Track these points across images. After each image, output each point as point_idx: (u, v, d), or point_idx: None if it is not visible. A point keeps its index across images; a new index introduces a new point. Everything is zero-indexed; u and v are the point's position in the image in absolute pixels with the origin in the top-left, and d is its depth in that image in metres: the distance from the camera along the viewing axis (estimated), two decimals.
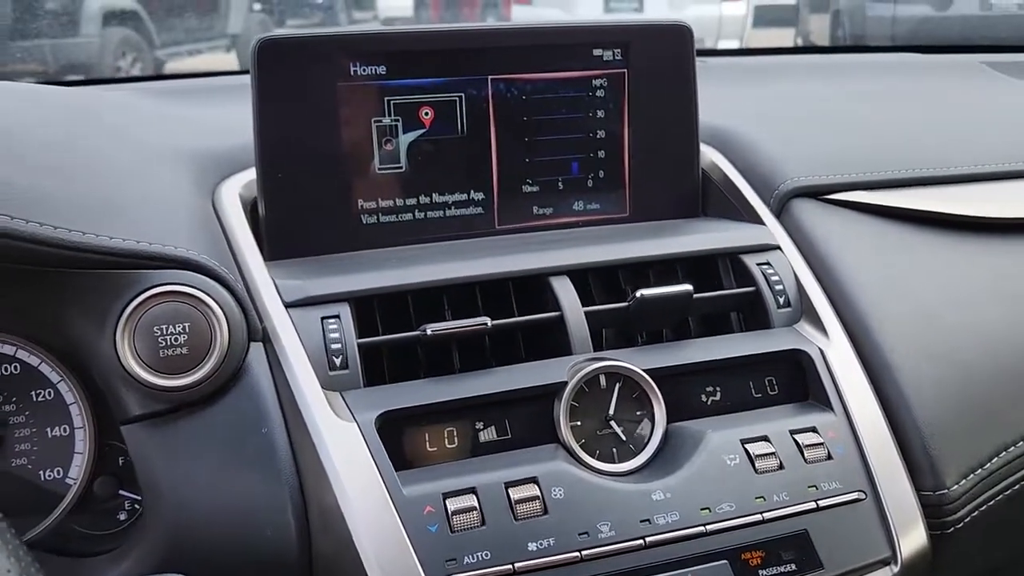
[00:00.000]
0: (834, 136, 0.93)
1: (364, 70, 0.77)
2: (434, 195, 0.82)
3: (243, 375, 0.65)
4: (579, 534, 0.59)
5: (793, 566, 0.61)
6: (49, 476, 0.73)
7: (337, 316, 0.67)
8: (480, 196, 0.84)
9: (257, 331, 0.67)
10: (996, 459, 0.71)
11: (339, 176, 0.78)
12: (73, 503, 0.73)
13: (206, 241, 0.70)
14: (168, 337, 0.63)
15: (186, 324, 0.64)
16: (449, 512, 0.58)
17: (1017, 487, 0.72)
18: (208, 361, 0.64)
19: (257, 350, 0.66)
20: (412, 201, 0.82)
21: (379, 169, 0.81)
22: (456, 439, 0.64)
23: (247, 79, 0.75)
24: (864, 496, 0.65)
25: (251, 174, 0.80)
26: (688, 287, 0.73)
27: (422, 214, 0.83)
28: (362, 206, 0.81)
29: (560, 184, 0.86)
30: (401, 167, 0.81)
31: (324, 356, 0.65)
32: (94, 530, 0.74)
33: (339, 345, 0.66)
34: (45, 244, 0.60)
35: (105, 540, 0.73)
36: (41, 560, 0.54)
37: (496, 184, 0.84)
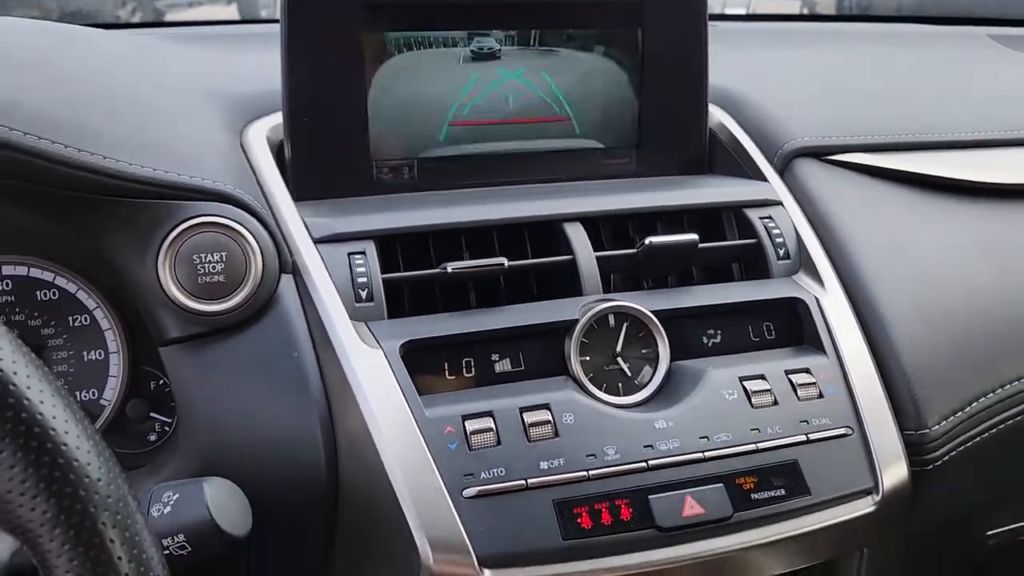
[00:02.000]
0: (838, 100, 0.96)
1: (387, 21, 0.80)
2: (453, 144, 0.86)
3: (275, 304, 0.69)
4: (587, 455, 0.64)
5: (783, 491, 0.66)
6: (85, 397, 0.78)
7: (363, 252, 0.71)
8: (497, 146, 0.87)
9: (288, 263, 0.71)
10: (976, 403, 0.76)
11: (362, 123, 0.82)
12: (107, 423, 0.78)
13: (238, 178, 0.74)
14: (206, 265, 0.67)
15: (223, 253, 0.68)
16: (468, 432, 0.63)
17: (994, 431, 0.77)
18: (243, 288, 0.68)
19: (288, 282, 0.71)
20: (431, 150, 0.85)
21: None
22: (473, 369, 0.69)
23: (269, 28, 0.78)
24: (851, 432, 0.70)
25: (277, 118, 0.83)
26: (694, 236, 0.77)
27: (441, 163, 0.86)
28: (383, 153, 0.84)
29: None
30: None
31: (351, 289, 0.69)
32: (126, 449, 0.79)
33: (365, 279, 0.70)
34: (93, 172, 0.64)
35: (136, 458, 0.78)
36: None
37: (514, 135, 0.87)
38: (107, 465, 0.42)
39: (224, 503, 0.56)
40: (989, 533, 0.97)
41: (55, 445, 0.41)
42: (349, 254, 0.71)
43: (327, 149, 0.80)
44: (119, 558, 0.41)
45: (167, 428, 0.79)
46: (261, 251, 0.69)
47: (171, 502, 0.55)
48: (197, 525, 0.54)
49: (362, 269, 0.70)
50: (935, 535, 0.88)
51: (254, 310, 0.68)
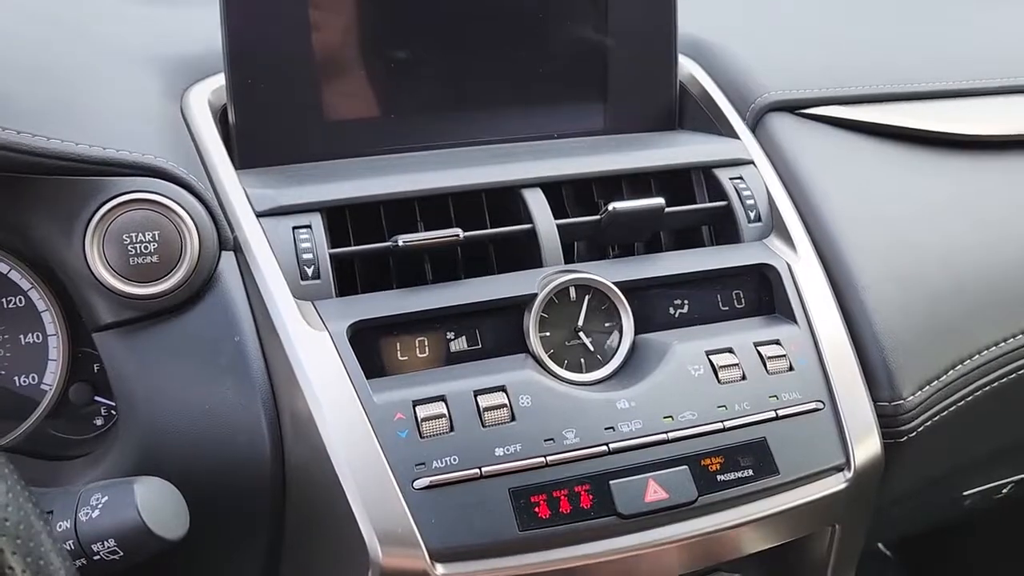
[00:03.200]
0: (813, 50, 0.92)
1: None
2: (408, 101, 0.81)
3: (214, 284, 0.65)
4: (545, 440, 0.61)
5: (751, 471, 0.63)
6: (24, 382, 0.74)
7: (309, 226, 0.67)
8: (455, 104, 0.82)
9: (228, 240, 0.67)
10: (951, 371, 0.73)
11: (312, 81, 0.77)
12: (49, 409, 0.74)
13: (175, 148, 0.69)
14: (138, 245, 0.63)
15: (156, 232, 0.63)
16: (419, 419, 0.60)
17: (969, 398, 0.74)
18: (179, 270, 0.64)
19: (228, 259, 0.66)
20: (385, 107, 0.80)
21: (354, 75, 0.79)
22: (427, 348, 0.65)
23: None
24: (822, 406, 0.67)
25: (220, 79, 0.78)
26: (660, 200, 0.73)
27: (395, 122, 0.81)
28: (334, 112, 0.79)
29: (537, 94, 0.84)
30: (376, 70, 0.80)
31: (296, 266, 0.65)
32: (72, 435, 0.75)
33: (311, 255, 0.66)
34: (5, 149, 0.59)
35: (83, 444, 0.75)
36: (18, 463, 0.56)
37: (471, 92, 0.82)
38: (5, 485, 0.39)
39: (156, 504, 0.53)
40: (965, 493, 0.96)
41: None
42: (294, 228, 0.67)
43: (273, 111, 0.76)
44: None
45: (114, 412, 0.76)
46: (197, 229, 0.64)
47: (100, 505, 0.52)
48: (127, 529, 0.51)
49: (307, 244, 0.66)
50: (905, 502, 0.86)
51: (192, 292, 0.64)
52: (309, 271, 0.66)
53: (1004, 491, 0.97)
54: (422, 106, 0.81)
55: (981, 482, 0.94)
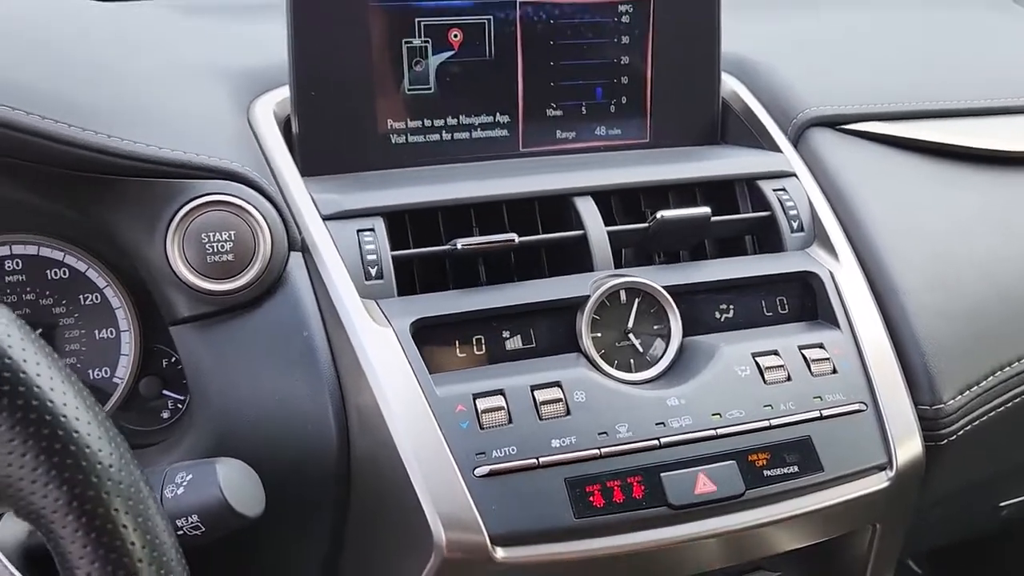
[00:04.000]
0: (853, 68, 0.94)
1: None
2: (461, 117, 0.85)
3: (284, 282, 0.69)
4: (599, 433, 0.63)
5: (796, 468, 0.65)
6: (97, 375, 0.78)
7: (372, 229, 0.71)
8: (505, 119, 0.86)
9: (296, 241, 0.70)
10: (991, 378, 0.75)
11: (370, 96, 0.80)
12: (120, 401, 0.78)
13: (245, 155, 0.73)
14: (215, 244, 0.67)
15: (232, 232, 0.67)
16: (479, 411, 0.63)
17: (1010, 404, 0.76)
18: (252, 267, 0.68)
19: (296, 259, 0.70)
20: (440, 122, 0.84)
21: (408, 90, 0.83)
22: (484, 346, 0.69)
23: None
24: (865, 407, 0.69)
25: (284, 92, 0.82)
26: (706, 209, 0.76)
27: (449, 135, 0.85)
28: (392, 126, 0.83)
29: (583, 109, 0.88)
30: (430, 88, 0.84)
31: (360, 266, 0.69)
32: (140, 427, 0.79)
33: (374, 256, 0.69)
34: (97, 151, 0.63)
35: (150, 436, 0.78)
36: None
37: (521, 107, 0.86)
38: (119, 451, 0.42)
39: (237, 483, 0.56)
40: (1001, 504, 0.97)
41: (66, 432, 0.41)
42: (358, 231, 0.71)
43: (335, 123, 0.80)
44: (132, 543, 0.41)
45: (180, 406, 0.79)
46: (270, 229, 0.68)
47: (184, 483, 0.55)
48: (210, 506, 0.55)
49: (371, 246, 0.70)
50: (945, 505, 0.88)
51: (263, 289, 0.68)
52: (373, 271, 0.69)
53: None
54: (474, 120, 0.84)
55: (1019, 493, 0.95)
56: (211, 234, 0.67)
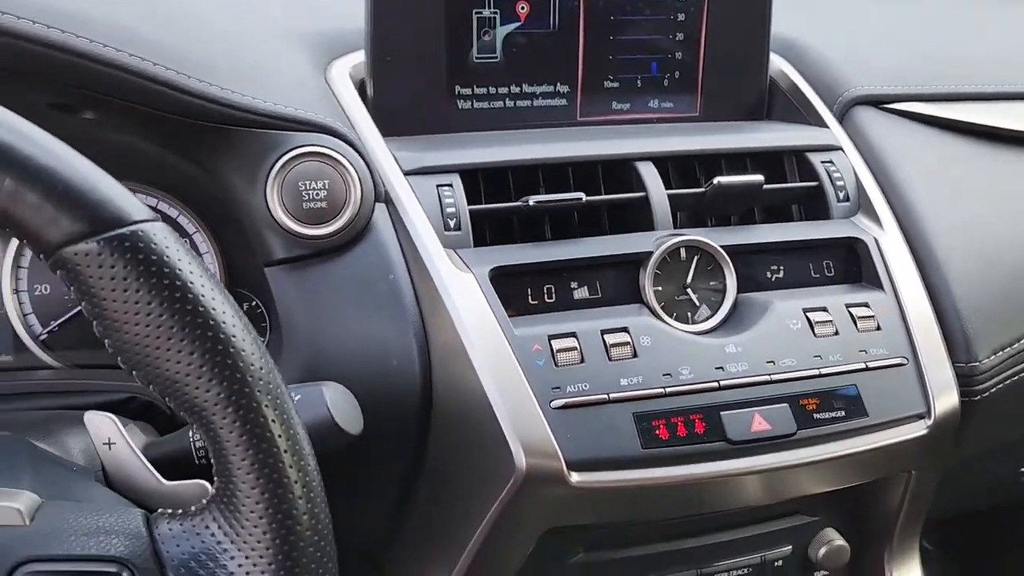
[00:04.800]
0: (898, 49, 0.99)
1: None
2: (524, 85, 0.90)
3: (371, 231, 0.74)
4: (663, 375, 0.69)
5: (843, 412, 0.71)
6: None
7: (450, 185, 0.76)
8: (565, 89, 0.91)
9: (381, 193, 0.76)
10: (1022, 341, 0.80)
11: (441, 63, 0.86)
12: None
13: (331, 113, 0.79)
14: (311, 191, 0.72)
15: (326, 181, 0.73)
16: (554, 350, 0.68)
17: None
18: (343, 214, 0.73)
19: (381, 210, 0.76)
20: (504, 90, 0.89)
21: (476, 58, 0.88)
22: (554, 295, 0.74)
23: None
24: (906, 362, 0.75)
25: (357, 57, 0.87)
26: (760, 177, 0.81)
27: (512, 103, 0.90)
28: (459, 92, 0.88)
29: (639, 82, 0.93)
30: (496, 57, 0.89)
31: (440, 218, 0.74)
32: None
33: (453, 209, 0.75)
34: (214, 102, 0.69)
35: None
36: None
37: (581, 78, 0.91)
38: (264, 357, 0.48)
39: (341, 404, 0.62)
40: (1023, 470, 1.03)
41: (226, 336, 0.46)
42: (437, 186, 0.76)
43: (407, 87, 0.85)
44: (279, 435, 0.47)
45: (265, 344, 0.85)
46: (360, 180, 0.74)
47: (294, 402, 0.61)
48: (318, 423, 0.60)
49: (450, 200, 0.75)
50: (972, 467, 0.94)
51: (353, 235, 0.73)
52: (451, 223, 0.75)
53: None
54: (536, 89, 0.90)
55: None
56: (307, 183, 0.72)
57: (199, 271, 0.47)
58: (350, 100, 0.83)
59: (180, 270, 0.45)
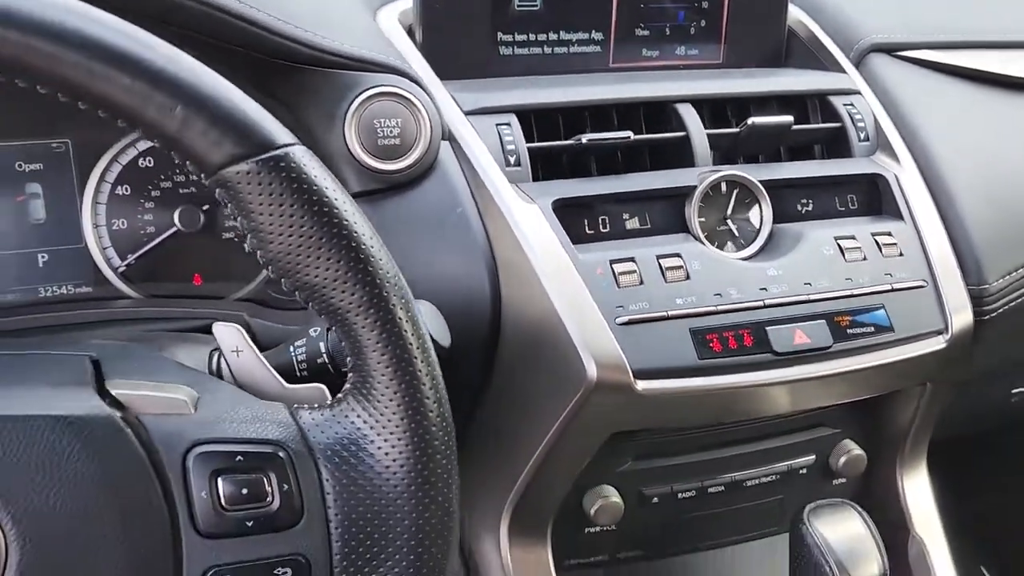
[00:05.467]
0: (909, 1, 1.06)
1: None
2: (561, 32, 0.95)
3: (438, 166, 0.80)
4: (714, 295, 0.76)
5: (872, 328, 0.79)
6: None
7: (508, 124, 0.82)
8: (599, 36, 0.97)
9: (446, 131, 0.82)
10: None
11: (486, 10, 0.91)
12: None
13: (394, 55, 0.84)
14: (385, 129, 0.78)
15: (399, 119, 0.78)
16: (616, 273, 0.75)
17: None
18: (415, 150, 0.79)
19: (446, 148, 0.81)
20: (543, 36, 0.95)
21: (518, 6, 0.93)
22: (608, 225, 0.81)
23: None
24: (926, 284, 0.83)
25: (404, 3, 0.92)
26: (790, 118, 0.88)
27: (550, 49, 0.96)
28: (501, 38, 0.94)
29: (667, 30, 0.99)
30: (536, 5, 0.94)
31: (501, 155, 0.80)
32: (286, 296, 0.90)
33: (512, 147, 0.81)
34: (297, 42, 0.74)
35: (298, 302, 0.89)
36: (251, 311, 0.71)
37: (614, 26, 0.97)
38: (393, 264, 0.54)
39: (433, 319, 0.68)
40: (1014, 391, 1.12)
41: (365, 247, 0.52)
42: (496, 125, 0.82)
43: (453, 33, 0.90)
44: (411, 334, 0.53)
45: None
46: (429, 118, 0.79)
47: None
48: None
49: (510, 138, 0.81)
50: (973, 387, 1.03)
51: (423, 170, 0.79)
52: (511, 159, 0.81)
53: None
54: (572, 36, 0.95)
55: None
56: (382, 120, 0.78)
57: (339, 189, 0.52)
58: (404, 45, 0.88)
59: (325, 188, 0.51)
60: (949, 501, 1.92)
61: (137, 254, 0.84)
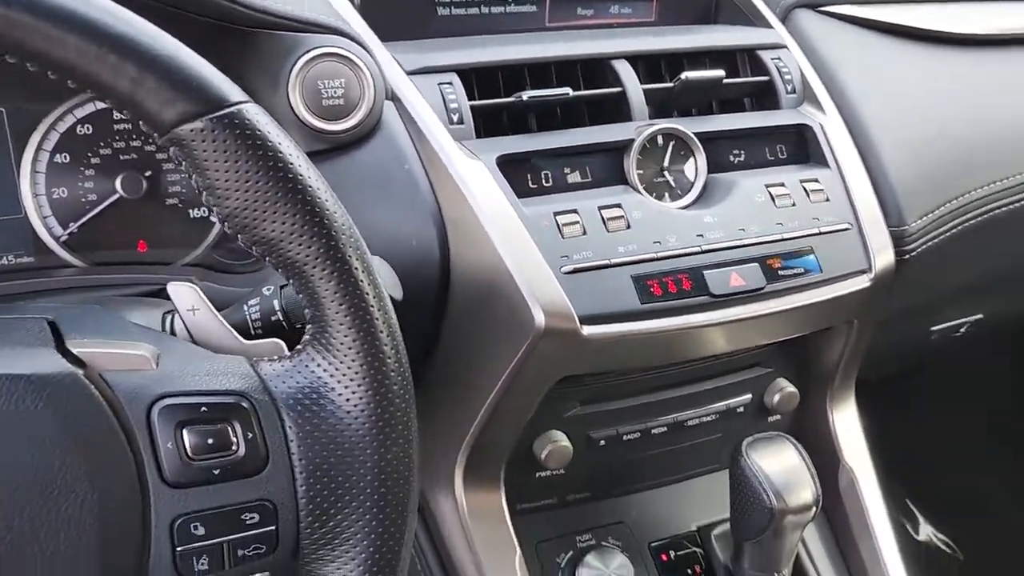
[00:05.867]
0: None
1: None
2: None
3: (383, 126, 0.81)
4: (653, 242, 0.80)
5: (802, 269, 0.84)
6: (196, 214, 0.89)
7: (450, 83, 0.84)
8: None
9: (389, 91, 0.83)
10: (944, 207, 0.95)
11: None
12: (216, 238, 0.89)
13: (335, 16, 0.84)
14: (329, 89, 0.79)
15: (342, 80, 0.79)
16: (560, 224, 0.78)
17: (956, 230, 0.96)
18: (359, 110, 0.80)
19: (390, 107, 0.83)
20: None
21: None
22: (551, 180, 0.83)
23: None
24: (851, 227, 0.88)
25: None
26: (722, 72, 0.91)
27: (487, 9, 0.98)
28: None
29: None
30: None
31: (444, 113, 0.82)
32: (234, 261, 0.91)
33: (456, 105, 0.83)
34: (240, 5, 0.74)
35: (246, 266, 0.90)
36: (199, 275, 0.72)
37: None
38: (346, 216, 0.56)
39: (385, 272, 0.70)
40: (933, 328, 1.19)
41: (319, 200, 0.54)
42: (439, 84, 0.83)
43: None
44: (367, 284, 0.55)
45: None
46: (372, 78, 0.80)
47: None
48: None
49: (452, 96, 0.83)
50: (897, 325, 1.09)
51: (368, 129, 0.81)
52: (455, 118, 0.83)
53: (962, 330, 1.21)
54: None
55: (948, 319, 1.17)
56: (326, 81, 0.79)
57: (292, 145, 0.54)
58: (344, 6, 0.88)
59: (279, 143, 0.53)
60: (878, 439, 2.03)
61: (79, 222, 0.84)
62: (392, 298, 0.67)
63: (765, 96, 0.97)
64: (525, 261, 0.76)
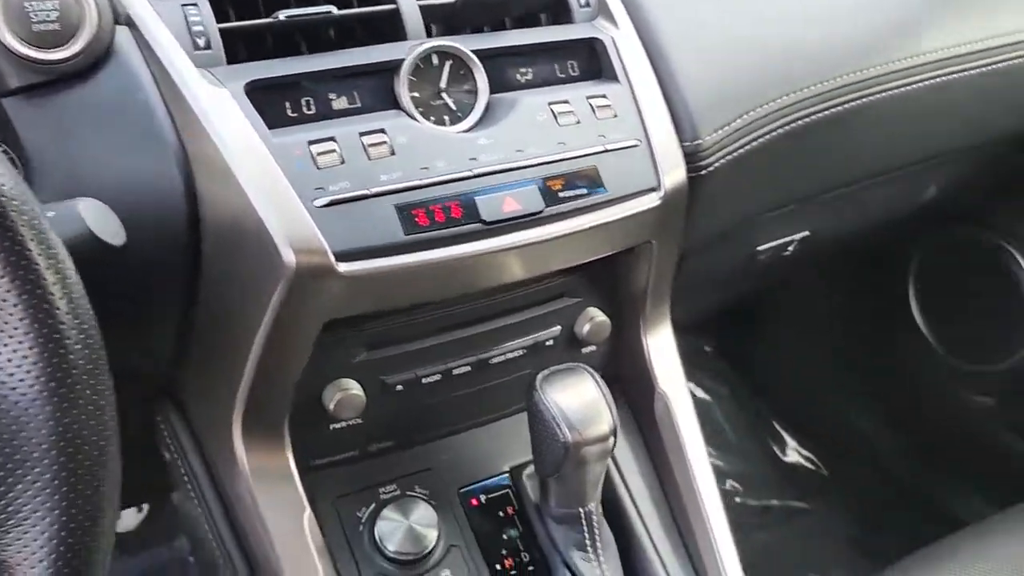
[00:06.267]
0: None
1: None
2: None
3: (115, 54, 0.73)
4: (420, 168, 0.74)
5: (585, 190, 0.79)
6: None
7: (195, 4, 0.75)
8: None
9: (122, 15, 0.74)
10: (739, 120, 0.91)
11: None
12: None
13: None
14: (39, 13, 0.69)
15: (55, 2, 0.70)
16: (314, 154, 0.71)
17: (755, 143, 0.93)
18: (80, 37, 0.71)
19: (124, 33, 0.74)
20: None
21: None
22: (313, 107, 0.76)
23: None
24: (639, 143, 0.83)
25: None
26: None
27: None
28: None
29: None
30: None
31: (188, 38, 0.74)
32: None
33: (200, 28, 0.74)
34: None
35: None
36: None
37: None
38: (15, 179, 0.48)
39: (98, 216, 0.62)
40: (759, 248, 1.18)
41: None
42: (182, 5, 0.75)
43: None
44: (37, 254, 0.48)
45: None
46: (95, 1, 0.71)
47: (49, 218, 0.61)
48: (77, 238, 0.61)
49: (197, 19, 0.75)
50: (719, 245, 1.07)
51: (94, 58, 0.72)
52: (200, 42, 0.74)
53: (790, 248, 1.20)
54: None
55: (773, 237, 1.16)
56: (33, 4, 0.69)
57: None
58: None
59: None
60: (743, 364, 2.05)
61: None
62: (108, 244, 0.60)
63: (559, 12, 0.91)
64: (273, 197, 0.69)
